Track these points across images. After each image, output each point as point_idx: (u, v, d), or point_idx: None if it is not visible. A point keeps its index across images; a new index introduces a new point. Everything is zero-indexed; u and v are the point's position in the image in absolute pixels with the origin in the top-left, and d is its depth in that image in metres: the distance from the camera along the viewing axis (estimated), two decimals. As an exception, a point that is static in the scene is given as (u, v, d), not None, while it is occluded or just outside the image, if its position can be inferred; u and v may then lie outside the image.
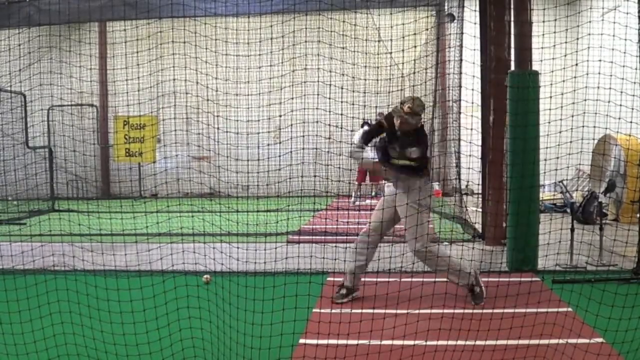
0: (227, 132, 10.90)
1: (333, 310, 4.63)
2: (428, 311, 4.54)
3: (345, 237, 7.94)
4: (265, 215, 9.18)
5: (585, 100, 5.80)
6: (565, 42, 6.62)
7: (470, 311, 4.77)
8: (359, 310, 4.94)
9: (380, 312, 4.77)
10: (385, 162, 5.39)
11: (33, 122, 13.31)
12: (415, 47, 8.37)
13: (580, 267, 6.50)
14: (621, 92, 5.59)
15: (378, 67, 9.67)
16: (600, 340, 4.21)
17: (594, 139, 7.88)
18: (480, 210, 8.82)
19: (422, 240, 5.25)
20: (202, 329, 4.24)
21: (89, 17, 11.07)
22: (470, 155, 7.95)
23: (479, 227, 8.68)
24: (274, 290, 4.43)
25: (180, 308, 4.46)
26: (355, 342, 4.09)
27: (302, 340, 4.30)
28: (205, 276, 5.96)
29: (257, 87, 10.73)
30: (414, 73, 9.69)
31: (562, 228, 6.38)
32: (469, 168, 7.56)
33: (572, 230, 6.70)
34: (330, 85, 6.31)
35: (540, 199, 8.31)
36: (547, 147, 6.19)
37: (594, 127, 5.70)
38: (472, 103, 7.09)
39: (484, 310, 4.94)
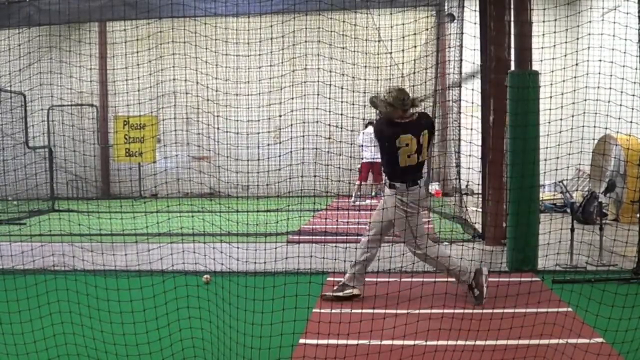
0: (227, 132, 10.90)
1: (333, 310, 4.63)
2: (428, 311, 4.53)
3: (345, 237, 7.93)
4: (265, 215, 9.17)
5: (585, 100, 5.79)
6: (565, 42, 6.62)
7: (470, 311, 4.76)
8: (359, 310, 4.94)
9: (380, 312, 4.77)
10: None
11: (33, 122, 13.31)
12: (415, 47, 8.36)
13: (580, 267, 6.50)
14: (621, 92, 5.59)
15: (378, 67, 9.66)
16: (600, 340, 4.21)
17: (594, 139, 7.88)
18: (480, 210, 8.82)
19: (413, 243, 5.28)
20: (202, 329, 4.24)
21: (89, 17, 11.08)
22: (470, 155, 7.95)
23: (479, 227, 8.67)
24: (274, 290, 4.43)
25: (180, 308, 4.46)
26: (355, 342, 4.09)
27: (302, 340, 4.30)
28: (205, 276, 5.96)
29: (257, 87, 10.72)
30: (414, 73, 9.69)
31: (562, 228, 6.37)
32: (469, 168, 7.56)
33: (572, 230, 6.70)
34: (330, 85, 6.31)
35: (540, 199, 8.31)
36: (547, 147, 6.19)
37: (594, 127, 5.70)
38: (472, 103, 7.09)
39: (484, 310, 4.94)
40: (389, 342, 4.19)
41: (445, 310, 4.74)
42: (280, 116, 8.92)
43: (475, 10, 8.29)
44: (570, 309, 4.85)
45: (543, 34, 6.26)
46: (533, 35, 7.03)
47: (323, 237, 7.79)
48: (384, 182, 5.48)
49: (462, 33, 9.06)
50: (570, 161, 5.85)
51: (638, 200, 6.90)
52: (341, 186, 11.92)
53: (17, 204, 12.02)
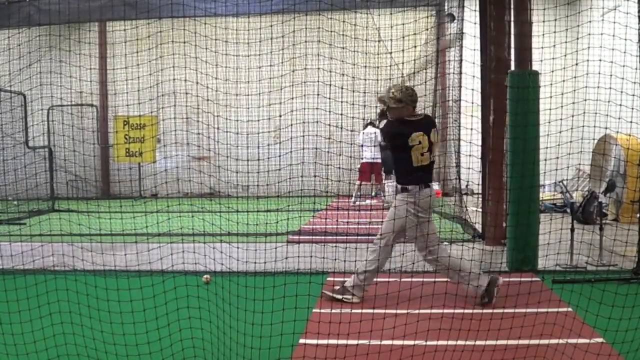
0: (227, 132, 10.91)
1: (333, 310, 4.63)
2: (428, 311, 4.53)
3: (345, 237, 7.93)
4: (265, 215, 9.17)
5: (585, 100, 5.79)
6: (565, 42, 6.63)
7: (470, 311, 4.76)
8: (359, 310, 4.94)
9: (380, 312, 4.77)
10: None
11: (33, 122, 13.31)
12: (415, 47, 8.36)
13: (580, 267, 6.50)
14: (621, 92, 5.59)
15: (378, 67, 9.66)
16: (600, 340, 4.21)
17: (594, 139, 7.89)
18: (480, 210, 8.82)
19: (424, 250, 5.27)
20: (202, 329, 4.24)
21: (89, 17, 11.09)
22: (470, 155, 7.95)
23: (479, 227, 8.67)
24: (274, 290, 4.43)
25: (180, 308, 4.46)
26: (355, 342, 4.09)
27: (302, 340, 4.30)
28: (205, 276, 5.96)
29: (257, 87, 10.72)
30: (414, 73, 9.69)
31: (562, 228, 6.38)
32: (469, 168, 7.55)
33: (572, 230, 6.70)
34: (330, 85, 6.30)
35: (540, 199, 8.31)
36: (547, 147, 6.19)
37: (594, 127, 5.70)
38: (472, 103, 7.09)
39: (484, 310, 4.95)
40: (389, 342, 4.19)
41: (445, 310, 4.74)
42: (280, 116, 8.91)
43: (475, 10, 8.29)
44: (570, 309, 4.85)
45: (543, 34, 6.26)
46: (533, 35, 7.03)
47: (323, 237, 7.79)
48: (383, 182, 5.47)
49: (462, 33, 9.06)
50: (570, 161, 5.85)
51: (638, 200, 6.88)
52: (341, 186, 11.93)
53: (17, 204, 12.03)
